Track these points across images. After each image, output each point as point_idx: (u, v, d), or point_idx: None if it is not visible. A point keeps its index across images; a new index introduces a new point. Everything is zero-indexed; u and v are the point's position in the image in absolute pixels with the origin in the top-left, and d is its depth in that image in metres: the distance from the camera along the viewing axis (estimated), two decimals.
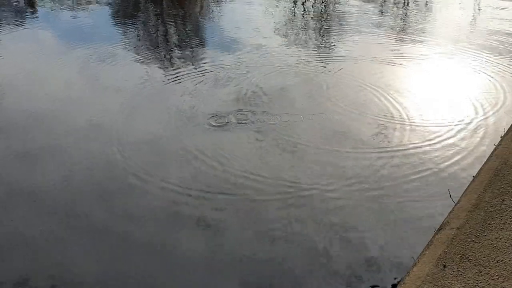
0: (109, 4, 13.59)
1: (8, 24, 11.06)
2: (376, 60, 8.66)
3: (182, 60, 8.80)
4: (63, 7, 12.95)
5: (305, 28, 11.13)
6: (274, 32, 10.61)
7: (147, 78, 7.78)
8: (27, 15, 12.07)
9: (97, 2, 13.62)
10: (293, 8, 13.25)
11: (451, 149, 5.68)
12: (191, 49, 9.40)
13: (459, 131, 6.10)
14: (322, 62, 8.56)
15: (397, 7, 13.31)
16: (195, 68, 8.23)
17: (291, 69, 8.18)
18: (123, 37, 10.19)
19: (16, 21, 11.44)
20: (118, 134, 5.96)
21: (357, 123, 6.28)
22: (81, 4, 13.37)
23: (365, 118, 6.42)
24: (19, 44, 9.74)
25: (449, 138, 5.94)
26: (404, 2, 13.92)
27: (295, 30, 10.90)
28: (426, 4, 13.72)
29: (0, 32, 10.37)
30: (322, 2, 13.88)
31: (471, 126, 6.24)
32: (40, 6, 13.08)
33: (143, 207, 4.65)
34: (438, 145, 5.78)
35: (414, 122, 6.32)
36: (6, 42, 9.77)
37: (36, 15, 12.12)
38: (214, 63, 8.50)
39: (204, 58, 8.86)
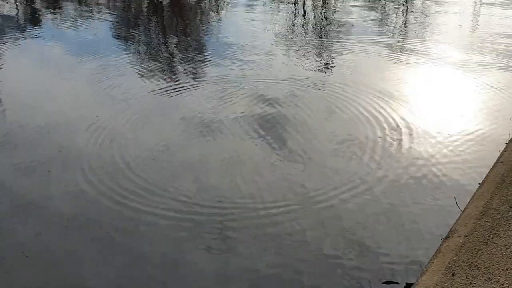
0: (111, 16, 13.70)
1: (13, 38, 11.12)
2: None
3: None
4: (66, 20, 13.04)
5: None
6: None
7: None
8: (32, 29, 12.15)
9: (98, 16, 13.72)
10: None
11: None
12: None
13: None
14: None
15: None
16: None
17: None
18: (127, 48, 10.26)
19: (21, 34, 11.50)
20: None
21: None
22: (83, 17, 13.46)
23: None
24: (24, 57, 9.81)
25: None
26: None
27: None
28: None
29: (5, 48, 10.45)
30: None
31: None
32: (44, 20, 13.20)
33: None
34: None
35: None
36: (11, 55, 9.84)
37: (40, 29, 12.22)
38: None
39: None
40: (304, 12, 14.22)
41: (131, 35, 11.62)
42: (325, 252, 4.16)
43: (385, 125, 6.39)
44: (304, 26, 12.47)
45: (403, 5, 14.80)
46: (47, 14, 14.09)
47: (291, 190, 5.02)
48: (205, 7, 15.21)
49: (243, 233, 4.40)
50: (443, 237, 4.09)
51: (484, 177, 5.05)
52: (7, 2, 15.43)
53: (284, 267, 4.00)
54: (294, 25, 12.64)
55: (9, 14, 14.09)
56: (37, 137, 6.24)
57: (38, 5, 15.56)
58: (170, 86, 7.96)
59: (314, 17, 13.51)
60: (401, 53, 9.63)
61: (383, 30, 11.72)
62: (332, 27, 12.16)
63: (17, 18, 13.70)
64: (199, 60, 9.44)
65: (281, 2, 15.49)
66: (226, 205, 4.80)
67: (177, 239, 4.33)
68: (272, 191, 5.02)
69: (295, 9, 14.69)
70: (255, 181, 5.19)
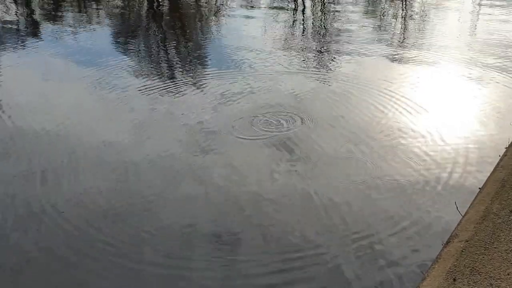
0: (110, 23, 13.76)
1: (13, 48, 11.13)
2: None
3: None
4: (66, 29, 13.06)
5: None
6: None
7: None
8: (32, 39, 12.17)
9: (97, 24, 13.77)
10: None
11: None
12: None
13: None
14: None
15: None
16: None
17: None
18: (126, 58, 10.28)
19: (20, 44, 11.52)
20: None
21: None
22: (83, 26, 13.50)
23: None
24: (22, 67, 9.82)
25: None
26: None
27: None
28: None
29: (5, 56, 10.48)
30: None
31: None
32: (43, 29, 13.25)
33: None
34: None
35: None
36: (11, 65, 9.85)
37: (40, 35, 12.26)
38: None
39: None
40: (303, 18, 14.26)
41: (131, 41, 11.65)
42: None
43: (384, 126, 6.43)
44: (304, 31, 12.51)
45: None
46: (47, 20, 14.12)
47: None
48: (204, 13, 15.25)
49: None
50: (444, 242, 4.09)
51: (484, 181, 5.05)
52: (7, 12, 15.48)
53: None
54: (293, 29, 12.69)
55: (9, 20, 14.13)
56: (35, 143, 6.27)
57: (37, 13, 15.62)
58: (170, 87, 8.01)
59: (313, 23, 13.56)
60: (400, 59, 9.68)
61: (383, 36, 11.76)
62: (331, 32, 12.22)
63: (17, 25, 13.74)
64: (200, 63, 9.54)
65: (281, 8, 15.56)
66: None
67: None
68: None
69: (294, 15, 14.74)
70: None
